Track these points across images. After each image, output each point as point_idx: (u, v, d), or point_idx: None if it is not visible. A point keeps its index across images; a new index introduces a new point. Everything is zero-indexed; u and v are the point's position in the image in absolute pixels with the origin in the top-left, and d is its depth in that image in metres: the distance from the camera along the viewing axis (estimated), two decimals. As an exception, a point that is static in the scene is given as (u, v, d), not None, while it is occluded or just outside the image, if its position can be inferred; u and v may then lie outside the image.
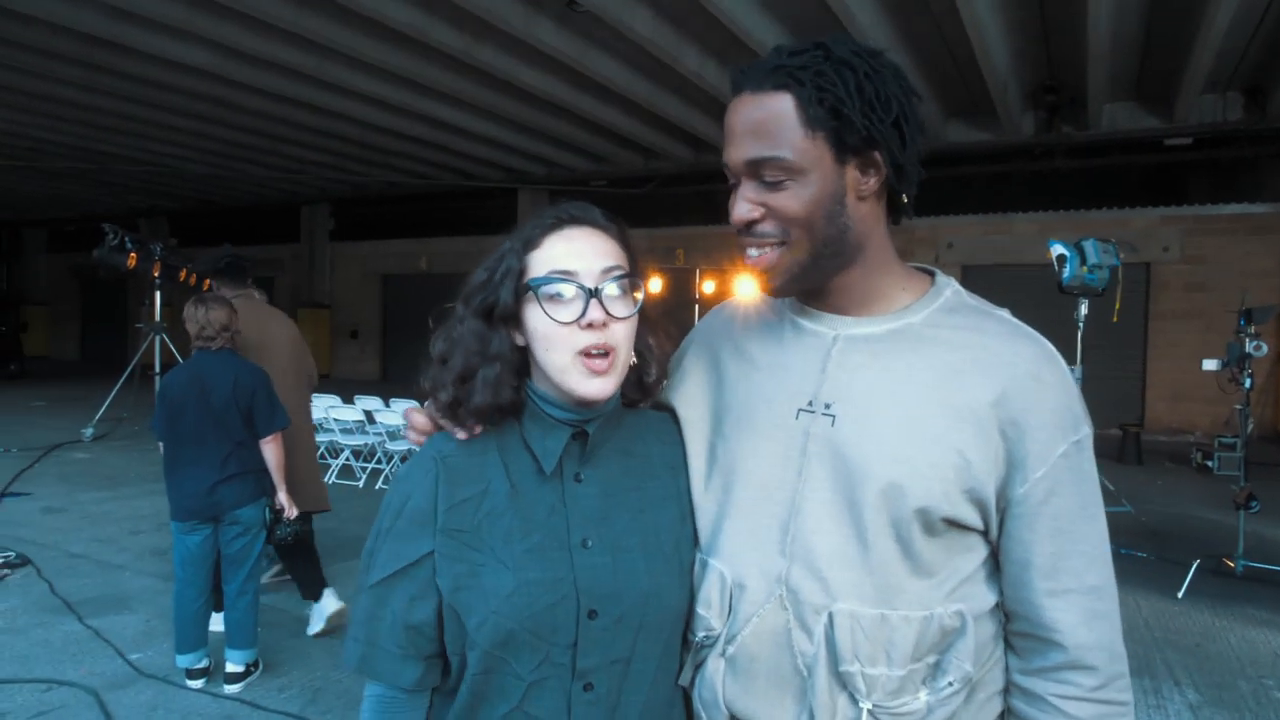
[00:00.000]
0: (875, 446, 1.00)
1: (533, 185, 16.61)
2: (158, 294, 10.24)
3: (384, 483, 7.90)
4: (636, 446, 1.16)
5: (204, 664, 3.77)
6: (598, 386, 1.04)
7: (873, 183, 1.03)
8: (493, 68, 10.36)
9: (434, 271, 18.83)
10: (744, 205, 1.02)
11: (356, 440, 8.28)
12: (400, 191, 18.41)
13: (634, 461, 1.14)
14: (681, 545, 1.12)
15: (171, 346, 10.27)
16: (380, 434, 8.18)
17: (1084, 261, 5.72)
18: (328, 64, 10.57)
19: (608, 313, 1.04)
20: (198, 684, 3.72)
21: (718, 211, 14.86)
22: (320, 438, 8.43)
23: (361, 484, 7.97)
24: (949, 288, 1.10)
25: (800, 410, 1.05)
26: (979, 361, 1.00)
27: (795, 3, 8.49)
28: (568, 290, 1.03)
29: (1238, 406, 5.33)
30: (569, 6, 8.79)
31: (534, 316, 1.06)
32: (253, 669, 3.82)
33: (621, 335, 1.07)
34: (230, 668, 3.74)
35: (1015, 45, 9.73)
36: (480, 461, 1.09)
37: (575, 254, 1.05)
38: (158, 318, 10.32)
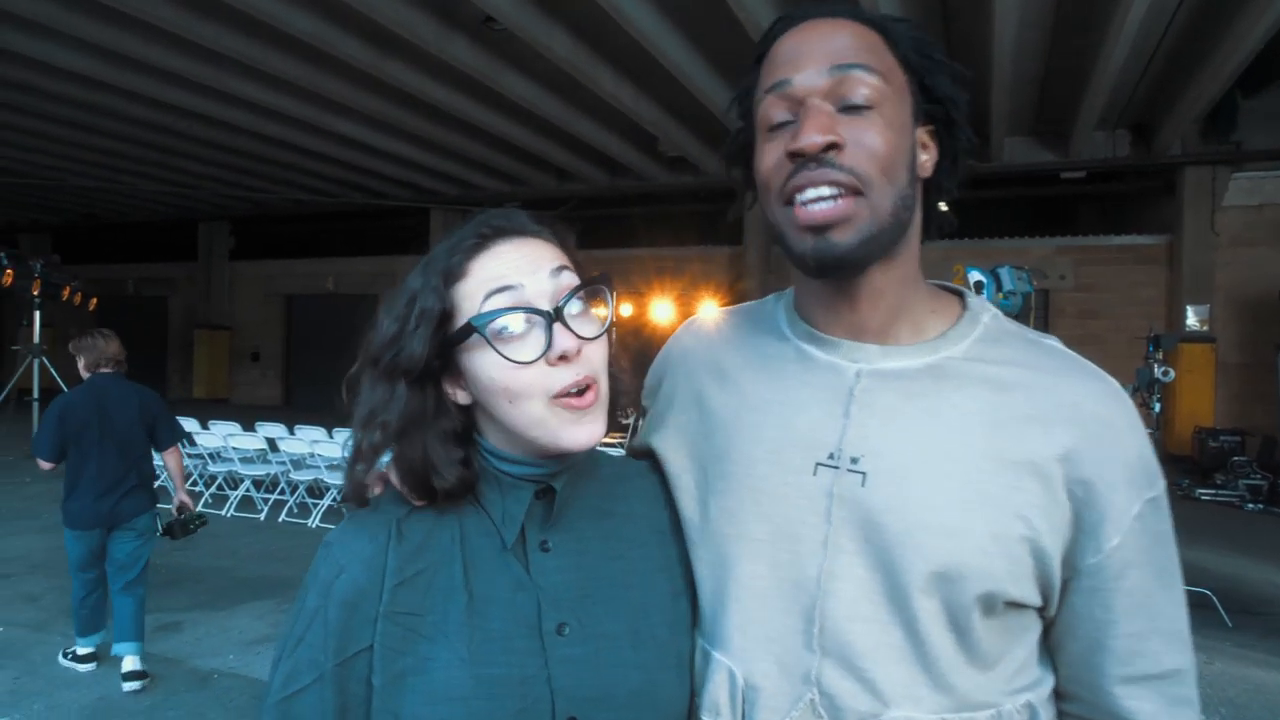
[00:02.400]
0: (921, 514, 0.80)
1: (444, 205, 16.26)
2: (37, 314, 9.53)
3: (288, 515, 7.45)
4: (616, 505, 0.93)
5: (95, 649, 4.08)
6: (588, 432, 0.83)
7: (927, 163, 0.88)
8: (402, 83, 10.08)
9: (341, 292, 18.24)
10: (818, 124, 0.79)
11: (258, 470, 7.80)
12: (305, 210, 17.76)
13: (614, 523, 0.92)
14: (677, 630, 0.90)
15: (52, 370, 9.51)
16: (284, 463, 7.72)
17: (999, 288, 5.84)
18: (224, 74, 10.09)
19: (577, 335, 0.82)
20: (88, 668, 4.04)
21: (634, 234, 14.84)
22: (217, 467, 7.97)
23: (263, 516, 7.49)
24: (986, 312, 0.91)
25: (819, 464, 0.84)
26: (1038, 404, 0.82)
27: (715, 32, 8.52)
28: (515, 322, 0.81)
29: (1150, 430, 5.49)
30: (486, 24, 8.62)
31: (483, 365, 0.82)
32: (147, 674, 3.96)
33: (598, 361, 0.86)
34: (128, 665, 3.90)
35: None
36: (436, 524, 0.87)
37: (516, 269, 0.83)
38: (37, 339, 9.57)
